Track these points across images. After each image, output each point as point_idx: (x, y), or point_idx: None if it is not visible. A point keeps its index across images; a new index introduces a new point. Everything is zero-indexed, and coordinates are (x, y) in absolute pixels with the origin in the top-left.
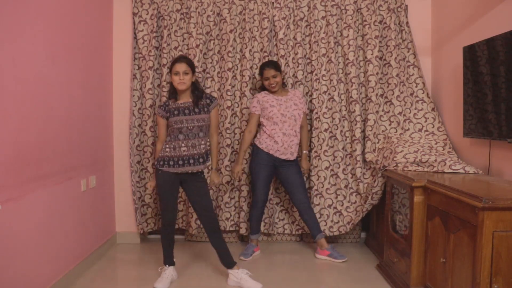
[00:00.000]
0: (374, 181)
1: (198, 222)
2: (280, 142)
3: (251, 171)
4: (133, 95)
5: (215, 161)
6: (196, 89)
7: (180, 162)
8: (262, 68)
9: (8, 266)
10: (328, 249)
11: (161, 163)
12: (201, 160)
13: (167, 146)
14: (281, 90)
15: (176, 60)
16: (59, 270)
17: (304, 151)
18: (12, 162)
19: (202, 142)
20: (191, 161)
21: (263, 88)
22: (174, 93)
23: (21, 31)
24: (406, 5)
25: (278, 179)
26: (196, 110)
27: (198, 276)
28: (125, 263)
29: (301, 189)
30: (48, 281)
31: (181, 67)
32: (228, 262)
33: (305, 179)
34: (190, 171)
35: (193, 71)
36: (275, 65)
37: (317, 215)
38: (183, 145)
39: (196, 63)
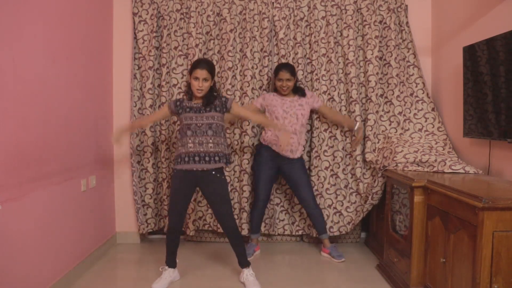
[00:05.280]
0: (374, 181)
1: (196, 223)
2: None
3: (253, 170)
4: (133, 95)
5: (273, 125)
6: (211, 94)
7: (186, 159)
8: (279, 69)
9: (8, 266)
10: (329, 248)
11: (178, 160)
12: (207, 158)
13: (179, 143)
14: (290, 93)
15: (198, 65)
16: (59, 270)
17: (357, 122)
18: (12, 162)
19: (210, 141)
20: (196, 158)
21: (275, 90)
22: (190, 93)
23: (21, 31)
24: (406, 5)
25: (283, 179)
26: (208, 109)
27: (198, 276)
28: (125, 263)
29: (305, 187)
30: (47, 281)
31: (202, 73)
32: (241, 263)
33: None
34: (194, 169)
35: (213, 76)
36: (292, 70)
37: None
38: (190, 141)
39: None
